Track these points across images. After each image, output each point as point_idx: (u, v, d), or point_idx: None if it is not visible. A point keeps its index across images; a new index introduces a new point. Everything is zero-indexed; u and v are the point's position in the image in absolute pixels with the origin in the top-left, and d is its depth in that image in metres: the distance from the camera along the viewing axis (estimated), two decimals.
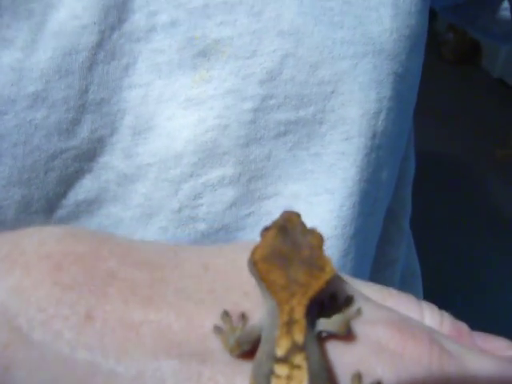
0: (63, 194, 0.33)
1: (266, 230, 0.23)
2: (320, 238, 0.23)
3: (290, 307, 0.21)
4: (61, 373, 0.21)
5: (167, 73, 0.33)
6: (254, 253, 0.22)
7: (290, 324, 0.21)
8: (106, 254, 0.24)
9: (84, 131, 0.33)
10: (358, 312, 0.23)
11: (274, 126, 0.34)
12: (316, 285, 0.21)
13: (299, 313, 0.21)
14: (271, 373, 0.20)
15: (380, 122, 0.36)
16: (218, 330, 0.21)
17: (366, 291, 0.25)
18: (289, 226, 0.23)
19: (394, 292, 0.26)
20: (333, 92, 0.34)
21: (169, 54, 0.33)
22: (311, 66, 0.34)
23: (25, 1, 0.31)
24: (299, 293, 0.21)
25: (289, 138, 0.34)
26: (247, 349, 0.21)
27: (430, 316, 0.25)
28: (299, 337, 0.20)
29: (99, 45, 0.32)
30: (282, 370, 0.20)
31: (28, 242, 0.24)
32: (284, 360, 0.20)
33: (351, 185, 0.35)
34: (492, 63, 2.49)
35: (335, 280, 0.23)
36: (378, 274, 0.44)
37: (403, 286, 0.51)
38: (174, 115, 0.33)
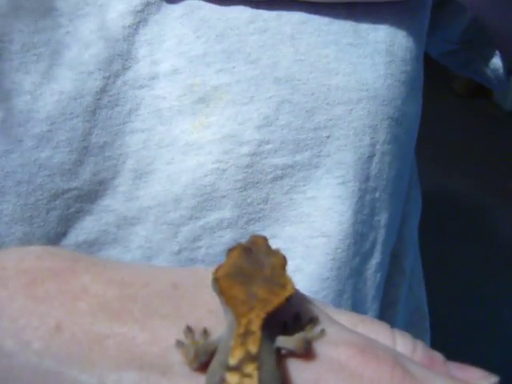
0: (64, 234, 0.34)
1: (231, 250, 0.24)
2: (283, 259, 0.23)
3: (247, 320, 0.21)
4: (28, 382, 0.22)
5: (168, 118, 0.34)
6: (216, 270, 0.23)
7: (245, 335, 0.21)
8: (81, 271, 0.25)
9: (86, 173, 0.34)
10: (322, 333, 0.23)
11: (271, 170, 0.35)
12: (275, 300, 0.22)
13: (256, 325, 0.21)
14: (222, 381, 0.20)
15: (374, 165, 0.36)
16: (179, 344, 0.22)
17: (336, 316, 0.25)
18: (253, 248, 0.24)
19: (366, 318, 0.25)
20: (328, 137, 0.35)
21: (170, 100, 0.34)
22: (307, 112, 0.35)
23: (33, 46, 0.33)
24: (258, 307, 0.22)
25: (285, 181, 0.35)
26: (204, 360, 0.21)
27: (402, 343, 0.25)
28: (253, 347, 0.21)
29: (103, 90, 0.34)
30: (232, 378, 0.20)
31: (8, 259, 0.25)
32: (236, 369, 0.20)
33: (346, 227, 0.36)
34: (504, 97, 2.50)
35: (301, 301, 0.24)
36: (381, 314, 0.45)
37: (409, 326, 0.51)
38: (173, 159, 0.34)
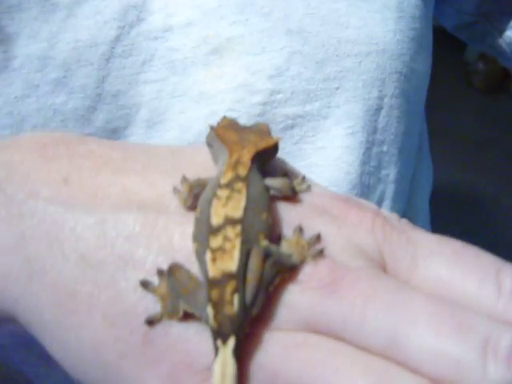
0: None
1: (217, 124, 0.26)
2: (266, 126, 0.26)
3: (239, 154, 0.23)
4: (30, 230, 0.23)
5: (181, 69, 0.35)
6: (211, 127, 0.25)
7: (236, 164, 0.23)
8: (89, 140, 0.27)
9: (99, 120, 0.35)
10: (307, 187, 0.24)
11: (282, 119, 0.36)
12: (264, 143, 0.24)
13: (246, 158, 0.23)
14: (213, 196, 0.22)
15: (381, 118, 0.37)
16: (176, 190, 0.23)
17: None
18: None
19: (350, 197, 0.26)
20: (338, 88, 0.36)
21: (183, 52, 0.35)
22: (317, 63, 0.36)
23: None
24: (249, 146, 0.24)
25: (295, 131, 0.36)
26: (197, 192, 0.23)
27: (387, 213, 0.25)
28: (243, 171, 0.23)
29: (118, 40, 0.35)
30: (223, 192, 0.22)
31: (23, 136, 0.27)
32: (226, 186, 0.22)
33: (354, 177, 0.37)
34: None
35: (288, 166, 0.26)
36: None
37: None
38: (186, 109, 0.35)
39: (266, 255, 0.21)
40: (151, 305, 0.21)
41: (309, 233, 0.22)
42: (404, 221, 0.25)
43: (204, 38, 0.35)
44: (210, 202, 0.22)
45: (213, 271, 0.20)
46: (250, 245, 0.21)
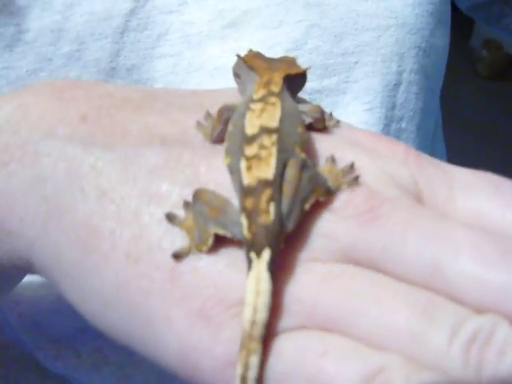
0: None
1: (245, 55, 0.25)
2: (294, 58, 0.25)
3: (269, 76, 0.23)
4: (47, 169, 0.22)
5: (197, 44, 0.35)
6: (239, 56, 0.24)
7: (268, 82, 0.22)
8: (108, 84, 0.26)
9: None
10: (337, 122, 0.24)
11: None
12: (294, 69, 0.24)
13: (277, 78, 0.23)
14: (247, 109, 0.21)
15: (400, 94, 0.37)
16: (199, 125, 0.23)
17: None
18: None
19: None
20: (356, 63, 0.36)
21: (199, 25, 0.35)
22: (335, 37, 0.35)
23: None
24: (278, 71, 0.23)
25: None
26: (227, 117, 0.22)
27: None
28: (275, 88, 0.22)
29: (133, 13, 0.34)
30: (257, 106, 0.21)
31: (36, 84, 0.26)
32: (260, 100, 0.22)
33: None
34: None
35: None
36: None
37: None
38: (201, 83, 0.35)
39: (303, 167, 0.20)
40: (178, 239, 0.20)
41: (341, 163, 0.21)
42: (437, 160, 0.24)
43: (220, 11, 0.35)
44: (243, 116, 0.21)
45: (248, 178, 0.20)
46: (286, 155, 0.20)
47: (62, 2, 0.34)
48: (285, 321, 0.19)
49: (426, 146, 0.42)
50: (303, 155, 0.21)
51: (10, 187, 0.23)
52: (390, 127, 0.37)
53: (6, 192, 0.23)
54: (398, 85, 0.37)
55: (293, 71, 0.24)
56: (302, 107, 0.23)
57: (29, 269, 0.23)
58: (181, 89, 0.27)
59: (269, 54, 0.34)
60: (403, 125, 0.38)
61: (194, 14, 0.35)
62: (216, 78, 0.35)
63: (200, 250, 0.20)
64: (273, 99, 0.22)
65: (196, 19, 0.35)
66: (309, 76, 0.35)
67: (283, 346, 0.19)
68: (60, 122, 0.23)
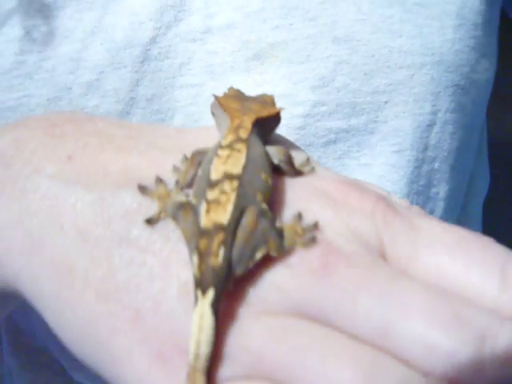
0: None
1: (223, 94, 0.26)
2: (271, 97, 0.26)
3: (240, 120, 0.24)
4: (33, 205, 0.24)
5: (220, 74, 0.34)
6: (215, 96, 0.26)
7: (237, 128, 0.23)
8: (98, 119, 0.27)
9: None
10: (312, 169, 0.24)
11: (324, 133, 0.35)
12: (266, 111, 0.25)
13: (247, 122, 0.24)
14: (214, 155, 0.23)
15: (433, 135, 0.36)
16: (175, 168, 0.24)
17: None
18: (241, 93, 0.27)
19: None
20: (386, 102, 0.35)
21: (223, 55, 0.34)
22: (365, 75, 0.34)
23: None
24: (250, 113, 0.24)
25: (339, 146, 0.35)
26: (199, 160, 0.24)
27: (396, 199, 0.25)
28: (244, 134, 0.23)
29: (154, 41, 0.34)
30: (223, 152, 0.22)
31: (33, 117, 0.28)
32: (227, 146, 0.23)
33: (399, 197, 0.35)
34: None
35: (293, 145, 0.26)
36: None
37: None
38: None
39: (260, 216, 0.21)
40: (143, 282, 0.22)
41: (306, 215, 0.22)
42: (415, 208, 0.24)
43: (245, 42, 0.34)
44: (210, 161, 0.22)
45: (205, 221, 0.21)
46: (246, 202, 0.21)
47: (82, 30, 0.34)
48: (230, 367, 0.20)
49: (462, 181, 0.41)
50: (264, 204, 0.22)
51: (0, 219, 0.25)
52: (420, 169, 0.36)
53: None
54: (431, 125, 0.36)
55: (264, 113, 0.24)
56: (271, 150, 0.24)
57: (17, 296, 0.25)
58: (167, 127, 0.28)
59: (295, 90, 0.34)
60: (436, 165, 0.37)
61: (217, 44, 0.34)
62: None
63: (168, 218, 0.22)
64: (239, 145, 0.23)
65: (220, 49, 0.34)
66: (336, 115, 0.34)
67: None
68: (48, 161, 0.25)
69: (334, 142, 0.35)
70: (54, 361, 0.43)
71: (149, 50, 0.34)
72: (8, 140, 0.26)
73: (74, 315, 0.23)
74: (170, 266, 0.22)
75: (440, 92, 0.35)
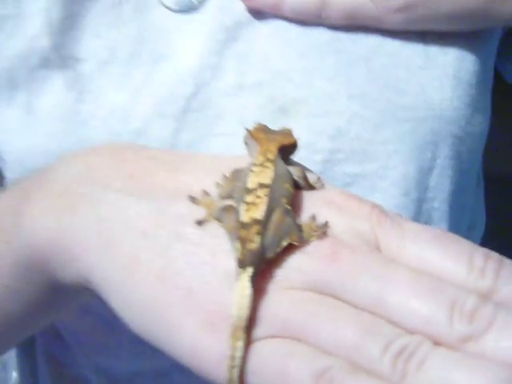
0: None
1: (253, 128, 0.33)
2: (290, 130, 0.32)
3: (267, 147, 0.30)
4: (104, 213, 0.29)
5: (250, 126, 0.38)
6: (247, 129, 0.32)
7: (265, 152, 0.30)
8: (153, 149, 0.34)
9: None
10: (322, 185, 0.30)
11: (341, 177, 0.38)
12: (287, 140, 0.31)
13: (273, 148, 0.30)
14: (250, 171, 0.29)
15: (432, 177, 0.40)
16: (218, 184, 0.29)
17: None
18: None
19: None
20: (395, 151, 0.38)
21: (253, 109, 0.38)
22: (376, 127, 0.38)
23: (138, 54, 0.39)
24: (275, 142, 0.31)
25: (353, 189, 0.38)
26: (237, 176, 0.29)
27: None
28: (271, 156, 0.30)
29: (194, 96, 0.38)
30: (257, 168, 0.29)
31: (99, 146, 0.33)
32: (259, 165, 0.29)
33: None
34: None
35: (307, 169, 0.32)
36: None
37: None
38: None
39: (285, 214, 0.27)
40: (195, 267, 0.27)
41: (318, 217, 0.28)
42: (400, 216, 0.29)
43: (272, 98, 0.38)
44: (246, 175, 0.29)
45: (245, 217, 0.27)
46: (274, 204, 0.27)
47: (131, 84, 0.38)
48: (262, 329, 0.25)
49: (461, 221, 0.44)
50: (288, 206, 0.28)
51: (77, 225, 0.30)
52: (421, 207, 0.39)
53: (75, 228, 0.30)
54: (431, 169, 0.39)
55: (286, 142, 0.31)
56: (291, 169, 0.30)
57: (87, 287, 0.30)
58: (205, 154, 0.35)
59: (315, 139, 0.38)
60: (435, 204, 0.40)
61: (248, 98, 0.38)
62: None
63: (215, 219, 0.28)
64: (268, 164, 0.29)
65: (250, 103, 0.38)
66: (350, 161, 0.38)
67: (260, 347, 0.25)
68: (115, 179, 0.30)
69: (350, 185, 0.38)
70: (81, 376, 0.47)
71: (190, 102, 0.38)
72: (81, 165, 0.32)
73: (138, 297, 0.27)
74: (216, 254, 0.27)
75: (440, 142, 0.39)
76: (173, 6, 0.39)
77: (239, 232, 0.26)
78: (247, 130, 0.32)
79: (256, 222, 0.27)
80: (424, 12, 0.38)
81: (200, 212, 0.28)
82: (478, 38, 0.41)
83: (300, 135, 0.38)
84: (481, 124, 0.43)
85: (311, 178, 0.30)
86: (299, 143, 0.31)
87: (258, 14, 0.39)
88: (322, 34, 0.39)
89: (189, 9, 0.39)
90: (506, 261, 0.26)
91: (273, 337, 0.25)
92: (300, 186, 0.30)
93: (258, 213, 0.27)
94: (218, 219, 0.28)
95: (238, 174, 0.29)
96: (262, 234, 0.26)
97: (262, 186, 0.28)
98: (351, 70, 0.39)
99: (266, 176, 0.28)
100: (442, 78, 0.40)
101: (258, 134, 0.31)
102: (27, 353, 0.52)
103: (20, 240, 0.32)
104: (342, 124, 0.38)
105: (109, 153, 0.32)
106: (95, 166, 0.31)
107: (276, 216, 0.27)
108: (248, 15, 0.39)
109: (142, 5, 0.39)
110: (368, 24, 0.38)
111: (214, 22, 0.39)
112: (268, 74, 0.39)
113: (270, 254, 0.26)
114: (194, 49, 0.39)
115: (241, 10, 0.39)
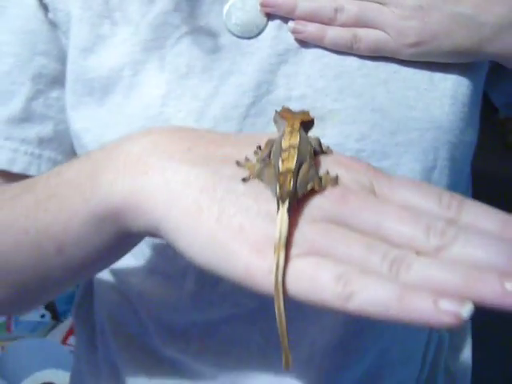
0: None
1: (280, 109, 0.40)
2: (308, 112, 0.40)
3: (292, 122, 0.38)
4: (168, 177, 0.35)
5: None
6: (276, 111, 0.40)
7: (291, 126, 0.37)
8: (202, 130, 0.40)
9: None
10: (330, 151, 0.38)
11: None
12: (306, 117, 0.39)
13: (297, 123, 0.37)
14: (282, 137, 0.36)
15: (435, 174, 0.50)
16: (256, 152, 0.37)
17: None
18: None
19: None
20: (405, 152, 0.48)
21: None
22: (391, 134, 0.48)
23: (210, 69, 0.47)
24: (297, 119, 0.38)
25: None
26: (272, 143, 0.37)
27: None
28: (296, 127, 0.37)
29: (253, 105, 0.47)
30: (286, 136, 0.36)
31: (157, 127, 0.41)
32: (288, 133, 0.36)
33: None
34: None
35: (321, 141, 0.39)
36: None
37: None
38: None
39: (310, 167, 0.35)
40: (243, 210, 0.34)
41: (332, 172, 0.35)
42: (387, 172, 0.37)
43: (312, 108, 0.45)
44: (280, 141, 0.36)
45: (282, 168, 0.34)
46: (302, 159, 0.35)
47: (204, 93, 0.47)
48: (297, 249, 0.32)
49: None
50: (311, 161, 0.35)
51: (148, 186, 0.35)
52: None
53: (146, 188, 0.35)
54: (433, 168, 0.49)
55: (306, 119, 0.39)
56: (310, 139, 0.38)
57: (154, 234, 0.36)
58: (243, 133, 0.44)
59: (344, 141, 0.47)
60: None
61: (295, 108, 0.48)
62: None
63: (257, 178, 0.35)
64: (295, 133, 0.36)
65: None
66: (372, 158, 0.47)
67: (296, 261, 0.31)
68: (176, 151, 0.36)
69: None
70: (146, 344, 0.55)
71: (249, 110, 0.47)
72: (146, 141, 0.38)
73: (201, 236, 0.33)
74: (258, 201, 0.33)
75: (439, 147, 0.49)
76: (238, 33, 0.48)
77: (278, 178, 0.34)
78: (276, 111, 0.40)
79: (289, 171, 0.34)
80: (430, 48, 0.46)
81: (244, 173, 0.35)
82: (471, 68, 0.49)
83: (334, 138, 0.48)
84: (471, 135, 0.53)
85: (324, 146, 0.38)
86: (330, 145, 0.39)
87: (304, 43, 0.48)
88: (352, 61, 0.48)
89: (250, 36, 0.48)
90: (466, 200, 0.34)
91: (305, 254, 0.31)
92: (316, 151, 0.37)
93: (291, 164, 0.34)
94: (258, 177, 0.35)
95: (271, 143, 0.36)
96: (294, 179, 0.33)
97: (292, 146, 0.35)
98: (374, 90, 0.47)
99: (295, 140, 0.35)
100: (443, 98, 0.49)
101: (285, 113, 0.39)
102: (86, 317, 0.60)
103: (97, 198, 0.37)
104: (366, 130, 0.47)
105: (167, 133, 0.38)
106: (159, 142, 0.37)
107: (303, 168, 0.34)
108: (296, 44, 0.48)
109: (214, 31, 0.48)
110: (388, 55, 0.47)
111: (269, 48, 0.48)
112: (310, 90, 0.47)
113: (300, 194, 0.33)
114: (254, 68, 0.47)
115: (290, 39, 0.48)
